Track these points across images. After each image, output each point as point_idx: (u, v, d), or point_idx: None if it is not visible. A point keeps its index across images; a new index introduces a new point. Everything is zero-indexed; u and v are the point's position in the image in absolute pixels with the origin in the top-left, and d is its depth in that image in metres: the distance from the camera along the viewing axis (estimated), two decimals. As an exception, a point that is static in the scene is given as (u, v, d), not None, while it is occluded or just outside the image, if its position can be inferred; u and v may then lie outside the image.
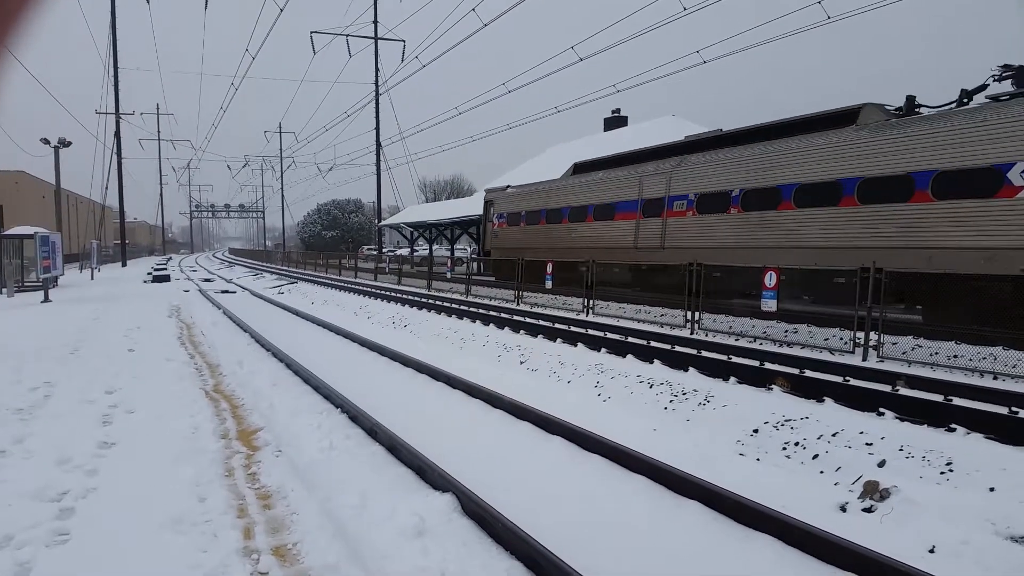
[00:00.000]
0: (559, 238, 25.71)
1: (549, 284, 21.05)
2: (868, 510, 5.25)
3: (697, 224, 19.30)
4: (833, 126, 16.30)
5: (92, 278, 37.45)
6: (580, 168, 26.93)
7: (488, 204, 32.73)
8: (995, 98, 13.64)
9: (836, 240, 15.33)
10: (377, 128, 53.43)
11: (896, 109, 15.68)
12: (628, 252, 21.30)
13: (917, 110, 15.20)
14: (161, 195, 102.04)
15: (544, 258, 21.82)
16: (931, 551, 4.56)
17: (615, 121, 65.12)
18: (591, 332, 14.71)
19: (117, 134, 54.26)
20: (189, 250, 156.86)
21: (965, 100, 14.44)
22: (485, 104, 32.76)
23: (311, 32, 47.14)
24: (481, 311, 19.16)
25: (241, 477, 5.96)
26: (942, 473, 5.84)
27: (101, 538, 4.63)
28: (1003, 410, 7.56)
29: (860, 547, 4.18)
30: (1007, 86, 14.48)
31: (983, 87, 14.56)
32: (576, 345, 13.03)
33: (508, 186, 33.15)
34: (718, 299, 15.46)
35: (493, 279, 25.19)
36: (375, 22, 50.41)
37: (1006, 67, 14.62)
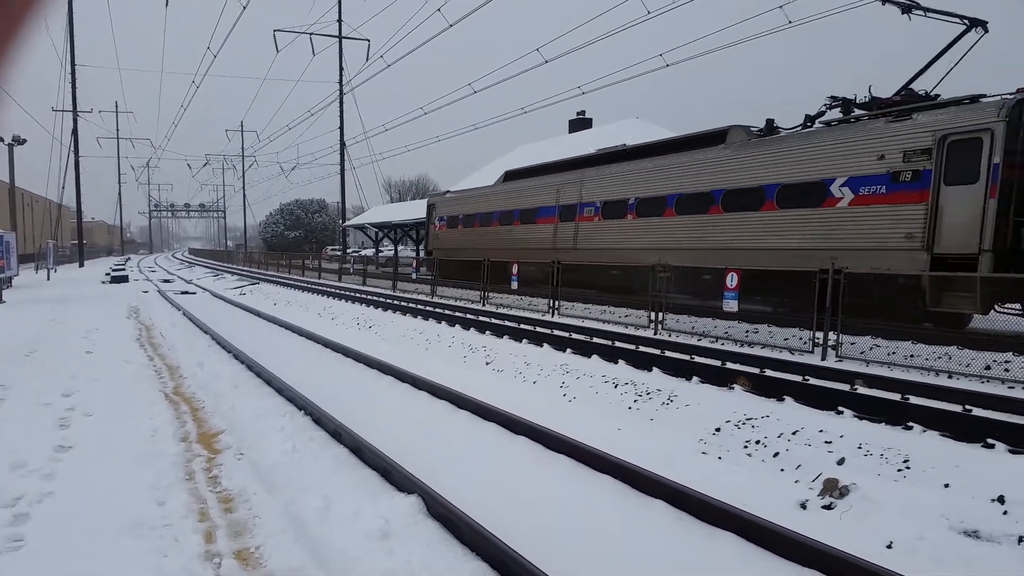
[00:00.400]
0: (491, 239, 27.86)
1: (515, 285, 21.19)
2: (828, 507, 5.34)
3: (603, 228, 21.94)
4: (708, 144, 18.67)
5: (48, 279, 36.64)
6: (510, 176, 29.40)
7: (431, 208, 35.13)
8: (827, 123, 16.18)
9: (707, 242, 17.81)
10: (341, 127, 53.06)
11: (759, 130, 17.91)
12: (547, 252, 23.10)
13: (776, 131, 17.53)
14: (120, 194, 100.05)
15: (475, 257, 23.82)
16: (888, 547, 4.66)
17: (580, 123, 65.39)
18: (556, 333, 14.76)
19: (75, 132, 53.20)
20: (148, 250, 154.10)
21: (808, 124, 16.75)
22: (451, 104, 32.70)
23: (274, 30, 46.72)
24: (447, 312, 19.12)
25: (202, 480, 5.87)
26: (899, 470, 5.96)
27: (58, 544, 4.53)
28: (957, 408, 7.74)
29: (820, 543, 4.26)
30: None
31: (821, 113, 16.72)
32: (542, 345, 13.07)
33: (447, 191, 35.67)
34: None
35: (451, 280, 25.45)
36: (339, 21, 50.09)
37: (833, 98, 16.70)
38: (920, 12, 15.39)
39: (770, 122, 17.79)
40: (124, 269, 41.67)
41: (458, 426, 7.87)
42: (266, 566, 4.32)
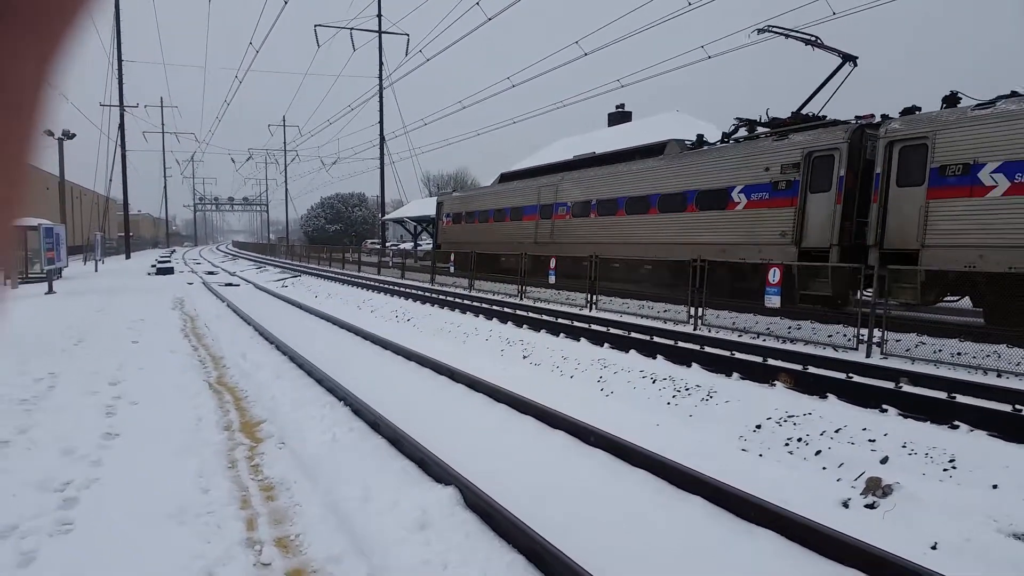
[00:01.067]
0: (487, 234, 31.49)
1: (552, 279, 21.26)
2: (870, 506, 5.25)
3: (573, 225, 25.38)
4: (650, 155, 22.37)
5: (96, 270, 37.51)
6: (505, 178, 33.67)
7: (439, 205, 38.73)
8: (736, 139, 19.74)
9: (647, 238, 21.23)
10: (381, 122, 53.36)
11: (691, 143, 21.62)
12: (530, 246, 26.51)
13: (703, 145, 21.06)
14: (165, 188, 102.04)
15: (475, 250, 26.88)
16: (933, 547, 4.56)
17: (619, 116, 64.95)
18: (594, 327, 14.70)
19: (121, 126, 54.22)
20: (193, 243, 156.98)
21: (725, 140, 20.25)
22: (489, 99, 32.74)
23: (315, 25, 47.11)
24: (484, 306, 19.16)
25: (244, 469, 5.97)
26: (945, 470, 5.84)
27: (104, 528, 4.65)
28: (1007, 408, 7.54)
29: (862, 543, 4.19)
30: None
31: (734, 131, 20.25)
32: (579, 340, 13.04)
33: (454, 191, 40.50)
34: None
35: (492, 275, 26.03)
36: (379, 16, 50.30)
37: (739, 119, 20.26)
38: (818, 46, 18.11)
39: (700, 137, 21.70)
40: (169, 261, 42.46)
41: (495, 419, 7.88)
42: (306, 553, 4.38)
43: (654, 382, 9.29)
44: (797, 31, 18.16)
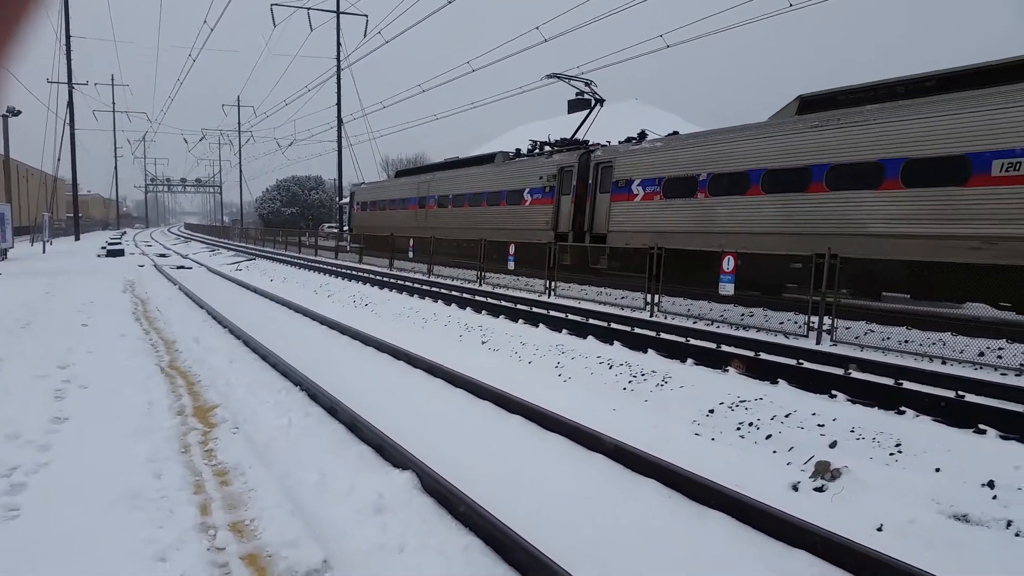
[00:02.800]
0: (386, 220, 37.26)
1: (511, 265, 21.40)
2: (819, 489, 5.39)
3: (437, 214, 31.81)
4: (486, 162, 29.11)
5: (44, 251, 36.51)
6: (400, 173, 40.69)
7: (352, 195, 45.42)
8: (531, 154, 26.95)
9: (482, 224, 26.76)
10: (339, 104, 52.63)
11: (513, 154, 27.97)
12: (413, 229, 32.27)
13: (518, 155, 27.55)
14: (116, 168, 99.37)
15: (379, 233, 33.81)
16: (879, 529, 4.70)
17: (579, 103, 65.08)
18: (553, 313, 14.79)
19: (70, 104, 52.72)
20: (144, 224, 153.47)
21: (527, 154, 27.12)
22: (449, 83, 32.61)
23: (272, 4, 46.17)
24: (443, 291, 19.12)
25: (198, 453, 5.89)
26: (891, 454, 6.01)
27: (53, 513, 4.56)
28: (950, 394, 7.79)
29: (811, 525, 4.30)
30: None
31: (530, 150, 27.38)
32: (538, 326, 13.10)
33: (363, 183, 45.90)
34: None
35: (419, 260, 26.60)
36: (338, -5, 49.53)
37: (533, 141, 27.85)
38: (590, 87, 24.62)
39: (518, 150, 28.19)
40: (120, 243, 41.58)
41: (453, 404, 7.90)
42: (261, 538, 4.35)
43: (611, 368, 9.38)
44: (576, 76, 24.67)
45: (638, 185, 19.66)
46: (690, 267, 15.83)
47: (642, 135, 22.20)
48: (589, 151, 22.45)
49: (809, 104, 16.08)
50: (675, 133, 21.15)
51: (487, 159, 29.44)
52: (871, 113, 14.13)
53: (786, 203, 15.52)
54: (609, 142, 23.45)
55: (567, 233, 22.32)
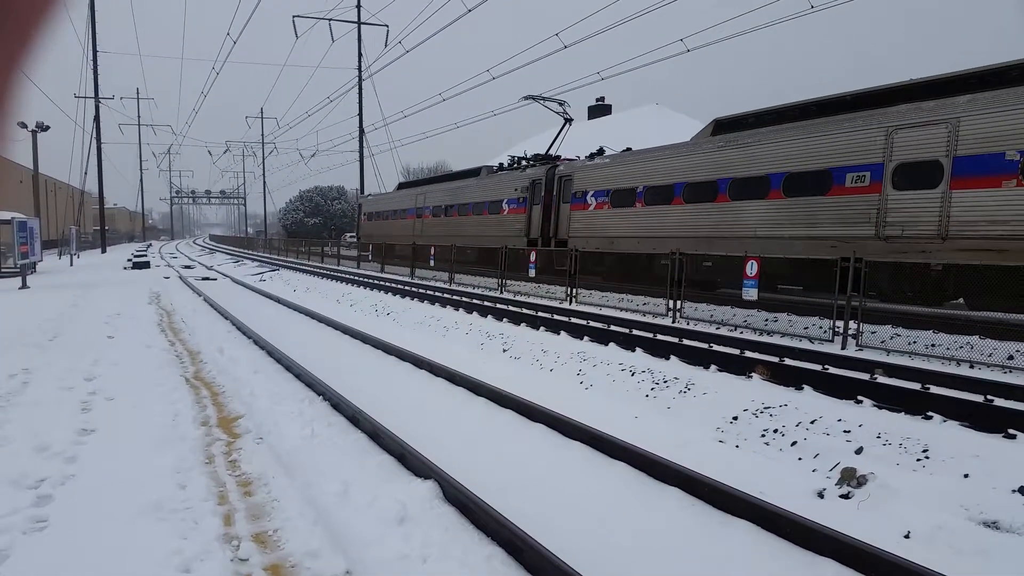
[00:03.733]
0: (389, 228, 40.74)
1: (532, 272, 21.52)
2: (845, 496, 5.32)
3: (432, 223, 35.00)
4: (472, 176, 32.17)
5: (71, 264, 37.07)
6: (401, 186, 43.54)
7: (359, 206, 49.19)
8: (511, 168, 29.76)
9: (468, 232, 29.87)
10: (360, 114, 53.10)
11: (497, 167, 31.05)
12: (411, 237, 34.55)
13: (501, 170, 30.32)
14: (141, 181, 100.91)
15: (383, 242, 35.89)
16: (906, 536, 4.63)
17: (599, 109, 65.06)
18: (574, 320, 14.76)
19: (96, 119, 53.61)
20: (169, 236, 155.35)
21: (508, 168, 29.78)
22: (470, 91, 32.79)
23: (293, 16, 46.74)
24: (464, 299, 19.16)
25: (222, 464, 5.94)
26: (918, 460, 5.93)
27: (80, 524, 4.61)
28: (978, 398, 7.67)
29: (837, 533, 4.24)
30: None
31: (510, 164, 30.31)
32: (559, 333, 13.08)
33: (369, 195, 49.20)
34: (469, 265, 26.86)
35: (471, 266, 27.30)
36: (358, 6, 50.00)
37: (512, 156, 30.89)
38: (558, 109, 27.48)
39: (500, 164, 31.26)
40: (146, 255, 42.10)
41: (475, 412, 7.89)
42: (284, 548, 4.37)
43: (633, 375, 9.34)
44: (550, 98, 27.40)
45: (592, 196, 22.60)
46: (632, 267, 19.00)
47: (600, 151, 24.68)
48: (555, 166, 25.22)
49: (722, 126, 18.87)
50: (628, 149, 23.95)
51: (473, 173, 32.67)
52: (763, 135, 16.81)
53: (700, 211, 18.33)
54: (578, 156, 26.07)
55: (537, 239, 25.02)
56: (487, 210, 29.03)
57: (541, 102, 27.32)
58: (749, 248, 15.04)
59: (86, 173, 54.79)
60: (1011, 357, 9.77)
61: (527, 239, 25.35)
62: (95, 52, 52.15)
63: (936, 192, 13.17)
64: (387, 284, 24.42)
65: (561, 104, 27.11)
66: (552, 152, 28.05)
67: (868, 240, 14.06)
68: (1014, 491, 5.12)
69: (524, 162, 29.13)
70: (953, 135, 12.94)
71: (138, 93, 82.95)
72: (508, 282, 22.52)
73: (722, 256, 15.38)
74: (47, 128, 37.21)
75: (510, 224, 26.97)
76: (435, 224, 34.24)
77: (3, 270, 28.22)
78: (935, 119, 13.30)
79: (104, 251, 56.54)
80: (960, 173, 12.81)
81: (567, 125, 27.49)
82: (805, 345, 11.54)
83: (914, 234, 13.48)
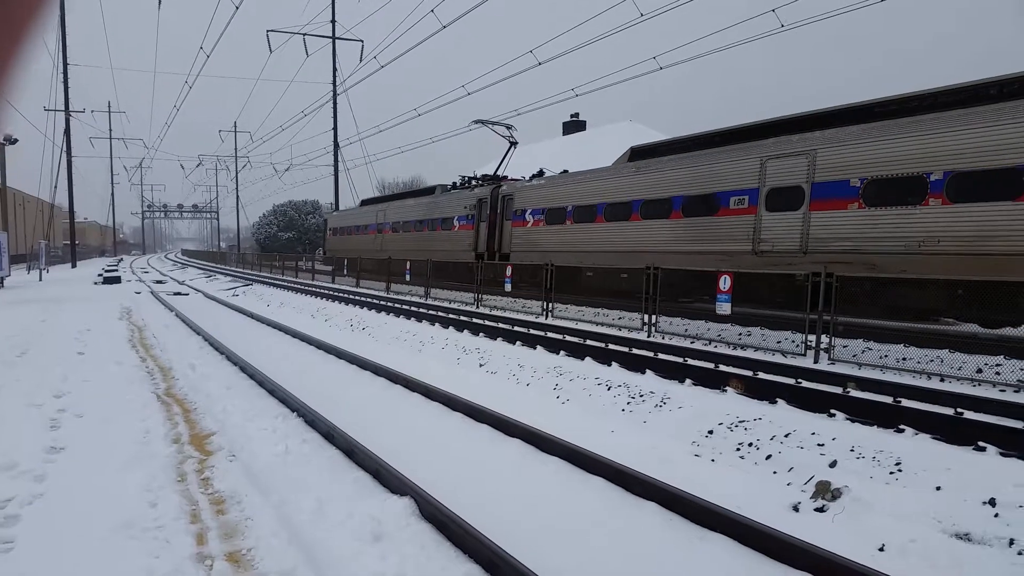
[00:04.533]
0: (350, 244, 43.05)
1: (508, 287, 21.58)
2: (820, 510, 5.36)
3: (392, 238, 36.95)
4: (428, 194, 34.24)
5: (40, 279, 36.46)
6: (364, 202, 44.76)
7: (325, 222, 51.98)
8: (461, 187, 31.72)
9: (423, 246, 31.47)
10: (335, 128, 53.01)
11: (451, 185, 33.26)
12: (374, 252, 36.52)
13: (453, 188, 32.39)
14: (112, 195, 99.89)
15: (347, 256, 37.66)
16: (881, 549, 4.67)
17: (574, 125, 65.39)
18: (550, 335, 14.78)
19: (67, 132, 52.94)
20: (141, 251, 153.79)
21: (460, 187, 31.55)
22: (445, 106, 32.91)
23: (267, 31, 46.58)
24: (440, 314, 19.11)
25: (194, 482, 5.85)
26: (891, 473, 5.98)
27: (49, 545, 4.51)
28: (949, 411, 7.77)
29: (812, 546, 4.27)
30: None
31: (463, 183, 31.86)
32: (535, 348, 13.08)
33: (335, 211, 52.32)
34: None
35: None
36: (333, 21, 50.00)
37: (462, 176, 32.79)
38: (505, 133, 29.13)
39: (453, 183, 33.01)
40: (117, 270, 41.55)
41: (452, 428, 7.86)
42: (258, 568, 4.31)
43: (609, 389, 9.36)
44: (498, 122, 29.05)
45: (530, 214, 24.76)
46: (565, 279, 19.83)
47: (539, 172, 27.69)
48: (499, 186, 27.27)
49: (637, 153, 21.20)
50: (565, 171, 26.12)
51: (429, 191, 34.99)
52: (667, 162, 19.07)
53: (618, 228, 20.37)
54: (523, 177, 28.10)
55: (483, 253, 26.97)
56: (440, 226, 31.33)
57: (490, 126, 29.31)
58: (654, 261, 16.42)
59: (56, 187, 54.01)
60: (980, 370, 9.93)
61: (475, 253, 27.34)
62: (65, 65, 51.56)
63: (799, 213, 15.26)
64: (362, 299, 24.30)
65: (508, 128, 29.09)
66: (500, 172, 29.84)
67: (746, 255, 16.26)
68: (984, 503, 5.19)
69: (473, 181, 31.16)
70: (812, 165, 15.02)
71: (109, 106, 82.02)
72: (484, 296, 22.54)
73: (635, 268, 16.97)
74: (15, 141, 36.74)
75: (461, 239, 29.10)
76: (394, 239, 36.42)
77: (-31, 285, 27.70)
78: (798, 151, 15.40)
79: (74, 266, 55.72)
80: (817, 197, 14.91)
81: (512, 148, 29.40)
82: (779, 359, 11.64)
83: (782, 249, 15.59)
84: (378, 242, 38.25)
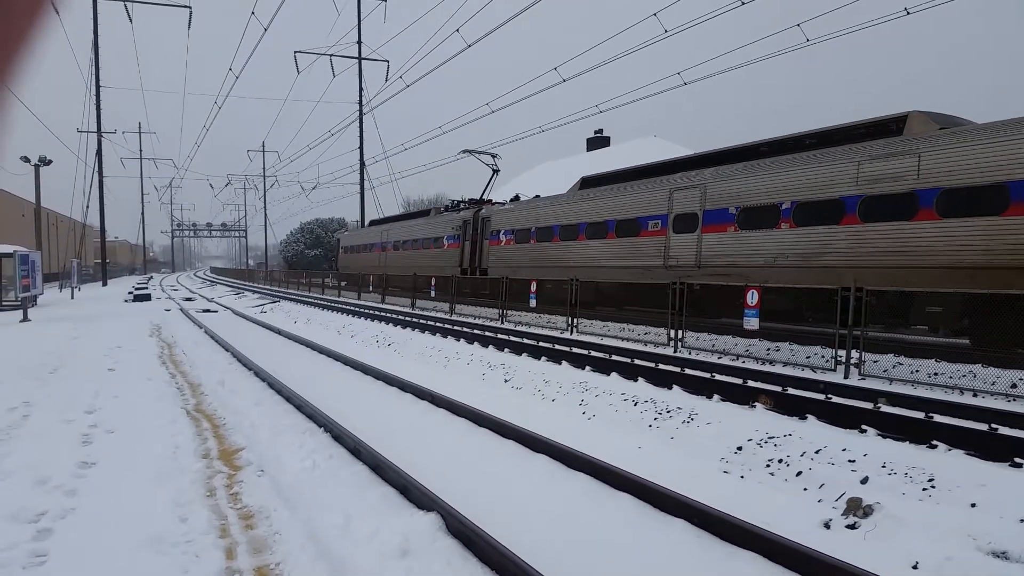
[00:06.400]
0: (359, 261, 46.29)
1: (533, 303, 21.69)
2: (852, 527, 5.27)
3: (392, 255, 40.05)
4: (423, 216, 38.25)
5: (72, 297, 37.09)
6: (373, 223, 48.21)
7: (337, 241, 55.93)
8: (448, 209, 35.64)
9: (418, 263, 34.78)
10: (361, 147, 53.54)
11: (447, 206, 36.54)
12: (378, 268, 40.30)
13: (447, 209, 35.68)
14: (143, 214, 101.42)
15: (364, 272, 40.32)
16: (914, 567, 4.58)
17: (598, 141, 65.50)
18: (575, 350, 14.74)
19: (99, 153, 53.98)
20: (170, 269, 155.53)
21: (450, 210, 35.19)
22: (469, 124, 33.30)
23: (295, 52, 47.33)
24: (465, 329, 19.15)
25: (223, 497, 5.90)
26: (924, 489, 5.88)
27: (80, 559, 4.56)
28: (983, 427, 7.63)
29: (844, 563, 4.19)
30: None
31: (450, 206, 36.01)
32: (560, 363, 13.05)
33: (345, 231, 56.78)
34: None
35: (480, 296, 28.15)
36: (359, 42, 50.65)
37: (451, 200, 37.34)
38: (489, 161, 32.55)
39: (446, 206, 36.42)
40: (147, 288, 42.10)
41: (477, 443, 7.85)
42: (286, 583, 4.32)
43: (636, 405, 9.30)
44: (483, 151, 32.13)
45: (503, 234, 28.07)
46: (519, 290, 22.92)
47: (516, 197, 32.00)
48: (480, 209, 31.01)
49: (587, 182, 24.68)
50: (537, 196, 29.91)
51: (424, 213, 39.50)
52: (605, 191, 22.53)
53: (568, 247, 23.79)
54: (505, 201, 31.96)
55: (466, 268, 30.41)
56: (433, 244, 34.63)
57: (476, 155, 32.61)
58: (595, 275, 20.90)
59: (87, 207, 55.03)
60: (1014, 385, 9.74)
61: (460, 269, 30.66)
62: (98, 87, 52.68)
63: (694, 235, 18.47)
64: (388, 315, 24.41)
65: (493, 156, 32.43)
66: (486, 196, 34.03)
67: (659, 268, 19.44)
68: (1022, 520, 5.07)
69: (462, 205, 34.81)
70: (704, 196, 18.23)
71: (140, 127, 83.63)
72: (509, 312, 22.60)
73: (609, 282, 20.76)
74: (49, 162, 37.40)
75: (449, 256, 32.25)
76: (396, 256, 39.68)
77: (4, 303, 28.22)
78: (694, 184, 18.66)
79: (105, 284, 56.61)
80: (707, 222, 18.12)
81: (495, 175, 33.13)
82: (807, 374, 11.51)
83: (684, 263, 18.71)
84: (382, 259, 41.60)
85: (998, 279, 11.79)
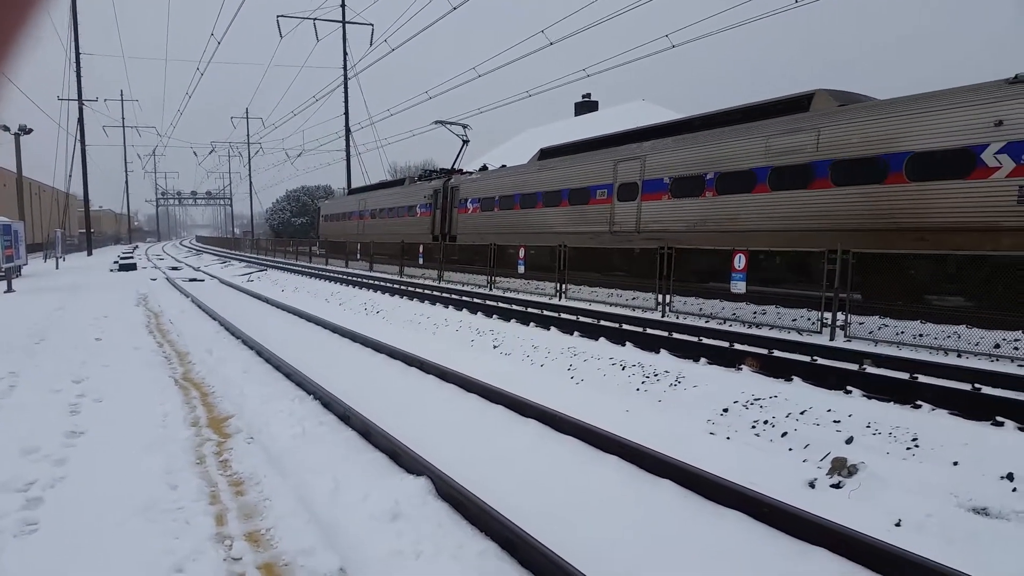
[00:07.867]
0: (339, 229, 46.90)
1: (521, 269, 21.77)
2: (836, 486, 5.35)
3: (369, 223, 41.44)
4: (398, 185, 39.62)
5: (57, 267, 36.78)
6: (352, 191, 49.83)
7: (318, 210, 56.97)
8: (422, 178, 37.28)
9: (397, 231, 35.76)
10: (346, 113, 52.94)
11: (418, 175, 39.06)
12: (356, 236, 41.10)
13: (421, 178, 37.49)
14: (127, 183, 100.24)
15: (343, 240, 41.31)
16: (897, 524, 4.66)
17: (585, 105, 65.15)
18: (564, 316, 14.78)
19: (80, 121, 53.19)
20: (156, 238, 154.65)
21: (424, 179, 36.66)
22: (455, 88, 32.83)
23: (278, 16, 46.56)
24: (454, 296, 19.17)
25: (213, 464, 5.91)
26: (908, 449, 5.96)
27: (71, 527, 4.58)
28: (966, 387, 7.73)
29: (828, 521, 4.27)
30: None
31: (424, 175, 37.75)
32: (549, 329, 13.09)
33: (327, 199, 58.13)
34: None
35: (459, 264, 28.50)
36: (343, 5, 49.84)
37: (424, 170, 42.90)
38: (460, 132, 33.19)
39: (420, 175, 38.56)
40: (132, 257, 41.80)
41: (467, 409, 7.88)
42: (277, 547, 4.36)
43: (623, 369, 9.36)
44: (454, 122, 33.00)
45: (470, 202, 29.71)
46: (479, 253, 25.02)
47: (483, 167, 32.57)
48: (449, 178, 31.97)
49: (545, 153, 26.36)
50: (504, 166, 30.59)
51: (400, 182, 40.63)
52: (558, 162, 24.18)
53: (529, 214, 25.18)
54: (473, 171, 32.59)
55: (437, 235, 31.65)
56: (407, 213, 36.19)
57: (447, 126, 33.48)
58: (551, 240, 21.73)
59: (70, 176, 54.47)
60: (998, 346, 9.86)
61: (432, 235, 32.07)
62: (78, 54, 51.74)
63: (634, 203, 19.97)
64: (376, 283, 24.37)
65: (464, 127, 33.36)
66: (457, 166, 34.14)
67: (605, 233, 21.04)
68: (1002, 477, 5.17)
69: (434, 174, 36.18)
70: (643, 167, 19.74)
71: (122, 95, 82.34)
72: (498, 279, 22.63)
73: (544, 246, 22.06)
74: (30, 131, 36.89)
75: (422, 224, 33.81)
76: (373, 224, 40.96)
77: (-12, 274, 27.95)
78: (635, 156, 20.17)
79: (90, 254, 56.15)
80: (645, 191, 19.63)
81: (465, 145, 33.89)
82: (794, 337, 11.61)
83: (626, 229, 20.20)
84: (360, 227, 42.90)
85: (882, 240, 13.33)
